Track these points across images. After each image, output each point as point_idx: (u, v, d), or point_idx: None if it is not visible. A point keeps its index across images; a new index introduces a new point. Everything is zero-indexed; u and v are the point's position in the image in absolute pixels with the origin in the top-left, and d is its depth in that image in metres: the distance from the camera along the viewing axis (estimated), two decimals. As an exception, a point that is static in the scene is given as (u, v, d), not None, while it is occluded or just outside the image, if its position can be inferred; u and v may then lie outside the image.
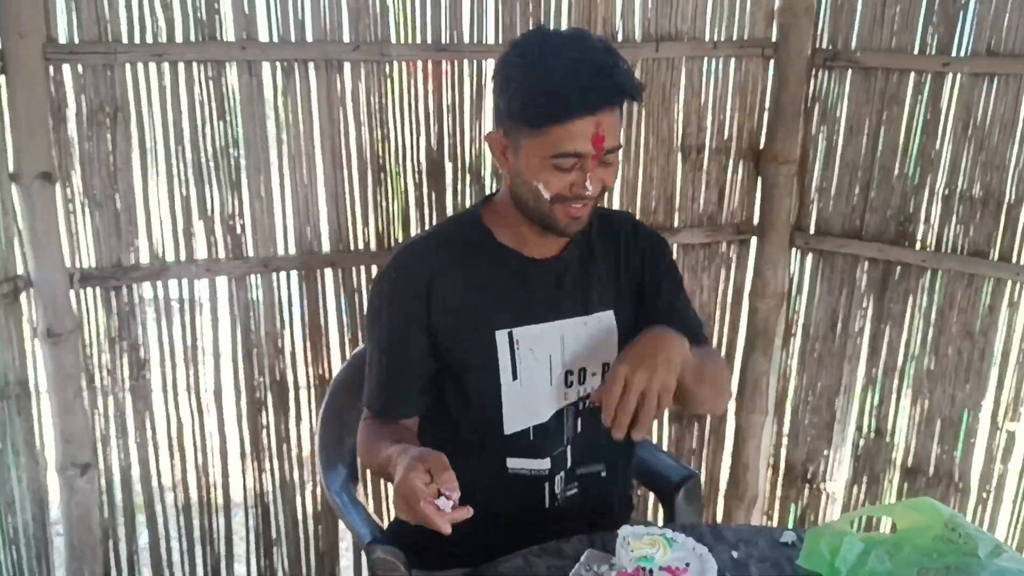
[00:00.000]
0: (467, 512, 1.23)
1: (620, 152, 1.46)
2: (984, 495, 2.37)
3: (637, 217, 2.13)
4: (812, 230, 2.49)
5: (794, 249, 2.52)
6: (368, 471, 1.79)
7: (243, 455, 2.24)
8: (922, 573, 1.31)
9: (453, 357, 1.54)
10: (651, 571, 1.24)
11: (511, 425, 1.55)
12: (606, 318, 1.60)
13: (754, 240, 2.55)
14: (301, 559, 2.36)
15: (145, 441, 2.16)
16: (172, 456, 2.20)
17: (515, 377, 1.53)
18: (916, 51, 2.25)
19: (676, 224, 2.47)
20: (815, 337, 2.55)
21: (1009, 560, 1.30)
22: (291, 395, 2.23)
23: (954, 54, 2.20)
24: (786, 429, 2.65)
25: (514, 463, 1.57)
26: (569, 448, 1.60)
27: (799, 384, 2.61)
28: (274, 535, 2.32)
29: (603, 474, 1.64)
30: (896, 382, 2.45)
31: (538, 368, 1.54)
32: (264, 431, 2.24)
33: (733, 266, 2.57)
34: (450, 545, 1.33)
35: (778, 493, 2.71)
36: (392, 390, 1.57)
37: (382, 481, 2.29)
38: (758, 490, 2.68)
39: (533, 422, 1.56)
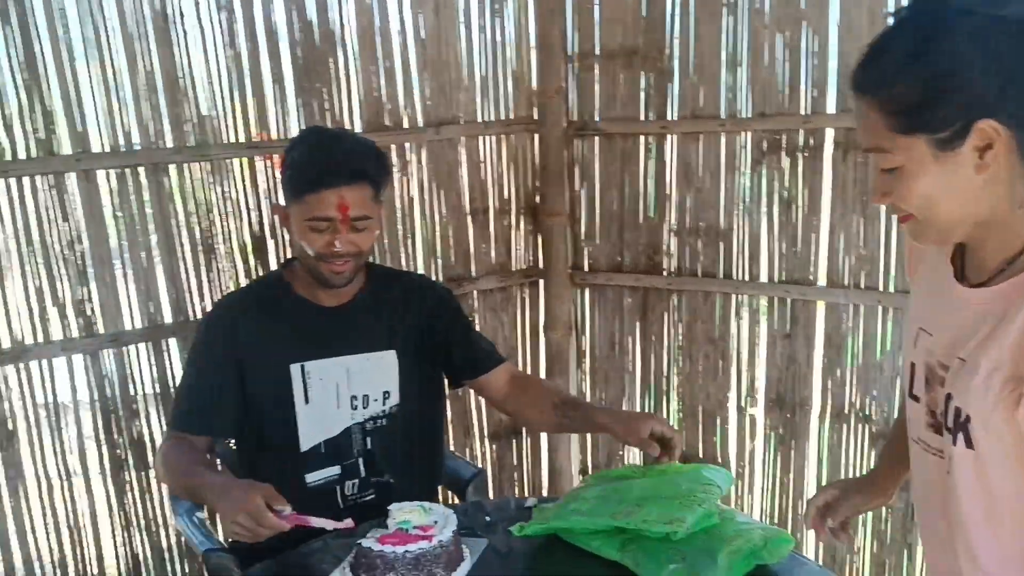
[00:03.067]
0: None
1: (372, 222, 1.90)
2: (740, 470, 2.89)
3: (439, 271, 2.66)
4: (586, 268, 3.01)
5: (573, 286, 3.03)
6: (170, 486, 2.03)
7: (110, 510, 2.56)
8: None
9: (256, 387, 1.94)
10: (407, 530, 1.66)
11: (306, 442, 1.95)
12: (388, 356, 2.03)
13: (541, 281, 3.05)
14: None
15: (19, 505, 2.45)
16: (44, 516, 2.50)
17: (307, 401, 1.94)
18: (642, 118, 2.81)
19: (474, 274, 2.95)
20: (600, 357, 3.05)
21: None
22: (148, 449, 2.57)
23: (669, 118, 2.77)
24: (588, 436, 3.13)
25: (311, 477, 1.97)
26: (361, 460, 2.01)
27: (593, 397, 3.10)
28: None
29: (392, 481, 2.04)
30: (665, 386, 2.96)
31: (327, 394, 1.95)
32: (127, 486, 2.57)
33: (527, 305, 3.07)
34: (268, 551, 1.73)
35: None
36: (193, 405, 1.93)
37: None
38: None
39: (325, 437, 1.97)
